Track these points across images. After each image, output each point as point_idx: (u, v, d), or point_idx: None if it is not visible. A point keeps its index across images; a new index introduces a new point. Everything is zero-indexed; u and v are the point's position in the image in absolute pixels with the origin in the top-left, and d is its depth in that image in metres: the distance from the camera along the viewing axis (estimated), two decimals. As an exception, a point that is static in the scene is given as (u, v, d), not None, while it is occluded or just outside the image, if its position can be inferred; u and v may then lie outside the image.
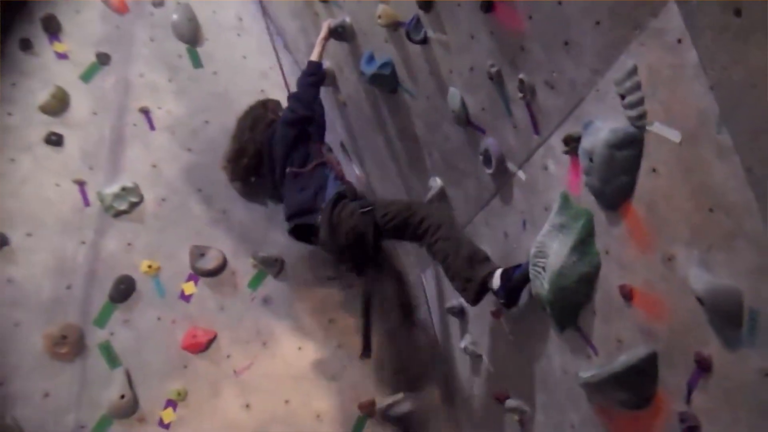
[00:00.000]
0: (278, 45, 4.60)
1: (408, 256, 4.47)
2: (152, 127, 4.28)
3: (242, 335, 4.00)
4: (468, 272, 2.84)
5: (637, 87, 1.84)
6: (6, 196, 3.89)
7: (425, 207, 3.29)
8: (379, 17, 3.08)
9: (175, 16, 4.43)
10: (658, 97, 1.77)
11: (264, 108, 3.90)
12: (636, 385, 2.05)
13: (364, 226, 3.22)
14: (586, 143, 2.06)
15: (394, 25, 3.08)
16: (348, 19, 3.58)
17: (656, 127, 1.80)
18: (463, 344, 3.56)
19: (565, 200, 2.30)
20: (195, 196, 4.20)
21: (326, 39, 3.64)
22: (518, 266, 2.63)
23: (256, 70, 4.56)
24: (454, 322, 3.79)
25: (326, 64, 3.84)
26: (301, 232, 3.52)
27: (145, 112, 4.27)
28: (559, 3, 2.03)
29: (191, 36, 4.47)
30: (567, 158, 2.28)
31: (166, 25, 4.43)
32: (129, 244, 4.01)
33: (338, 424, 3.96)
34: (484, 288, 2.78)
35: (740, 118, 1.45)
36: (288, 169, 3.54)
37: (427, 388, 3.38)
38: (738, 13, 1.33)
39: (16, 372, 3.66)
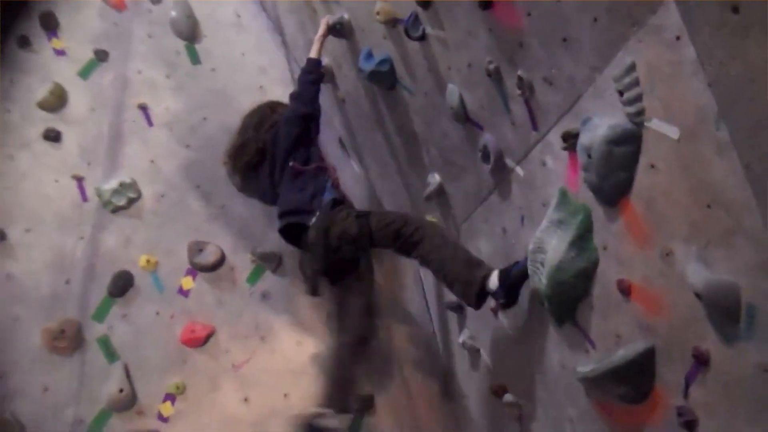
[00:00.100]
0: (277, 41, 4.60)
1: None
2: (150, 124, 4.28)
3: (241, 330, 4.01)
4: (466, 276, 2.85)
5: (636, 83, 1.85)
6: (4, 192, 3.91)
7: (419, 219, 3.32)
8: (378, 14, 3.09)
9: (173, 13, 4.43)
10: (657, 94, 1.78)
11: (271, 109, 3.84)
12: (634, 379, 2.07)
13: (358, 230, 3.20)
14: (584, 139, 2.07)
15: (392, 22, 3.08)
16: (346, 16, 3.58)
17: (654, 124, 1.81)
18: (461, 339, 3.57)
19: (564, 196, 2.31)
20: (193, 192, 4.21)
21: (324, 36, 3.63)
22: (516, 263, 2.64)
23: (254, 67, 4.56)
24: (452, 317, 3.81)
25: (325, 60, 3.84)
26: (292, 231, 3.50)
27: (143, 108, 4.27)
28: (558, 0, 2.04)
29: (189, 33, 4.47)
30: (565, 154, 2.29)
31: (165, 22, 4.43)
32: (127, 240, 4.03)
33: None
34: (484, 290, 2.79)
35: (738, 114, 1.46)
36: (291, 164, 3.51)
37: (349, 413, 3.38)
38: (736, 9, 1.34)
39: (15, 367, 3.67)
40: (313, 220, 3.33)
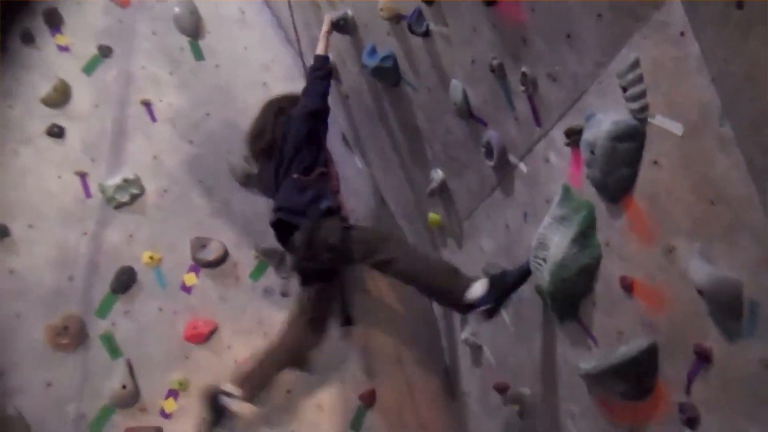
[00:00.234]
0: (280, 37, 4.60)
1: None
2: (154, 119, 4.29)
3: (244, 326, 4.02)
4: (448, 286, 2.91)
5: (640, 79, 1.85)
6: (8, 188, 3.91)
7: (400, 239, 3.42)
8: (381, 10, 3.08)
9: (177, 9, 4.44)
10: (661, 90, 1.78)
11: (292, 102, 3.79)
12: (636, 376, 2.07)
13: (339, 241, 3.23)
14: (587, 136, 2.07)
15: (396, 18, 3.08)
16: (350, 12, 3.58)
17: (658, 120, 1.80)
18: (463, 336, 3.58)
19: (567, 192, 2.31)
20: (196, 188, 4.21)
21: (329, 32, 3.63)
22: (504, 272, 2.71)
23: (258, 63, 4.56)
24: (454, 314, 3.81)
25: (330, 57, 3.83)
26: (282, 228, 3.51)
27: (146, 104, 4.28)
28: (562, -4, 2.04)
29: (193, 29, 4.48)
30: (568, 151, 2.29)
31: (168, 18, 4.44)
32: (130, 236, 4.03)
33: (339, 414, 3.98)
34: (467, 299, 2.83)
35: (741, 110, 1.46)
36: (295, 176, 3.50)
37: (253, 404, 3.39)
38: (740, 5, 1.34)
39: (18, 363, 3.68)
40: (305, 223, 3.34)
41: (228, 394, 3.29)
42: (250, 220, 4.18)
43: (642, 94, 1.85)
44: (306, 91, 3.64)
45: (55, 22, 4.20)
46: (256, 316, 4.04)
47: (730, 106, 1.50)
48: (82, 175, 4.05)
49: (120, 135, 4.20)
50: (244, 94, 4.34)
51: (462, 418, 3.95)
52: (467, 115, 2.89)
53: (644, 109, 1.85)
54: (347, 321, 3.56)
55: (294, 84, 4.14)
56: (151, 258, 3.99)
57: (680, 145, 1.73)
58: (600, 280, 2.23)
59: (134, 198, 4.09)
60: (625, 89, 1.89)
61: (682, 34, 1.63)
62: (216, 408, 3.30)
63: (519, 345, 2.99)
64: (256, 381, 3.42)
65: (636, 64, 1.85)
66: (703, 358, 1.77)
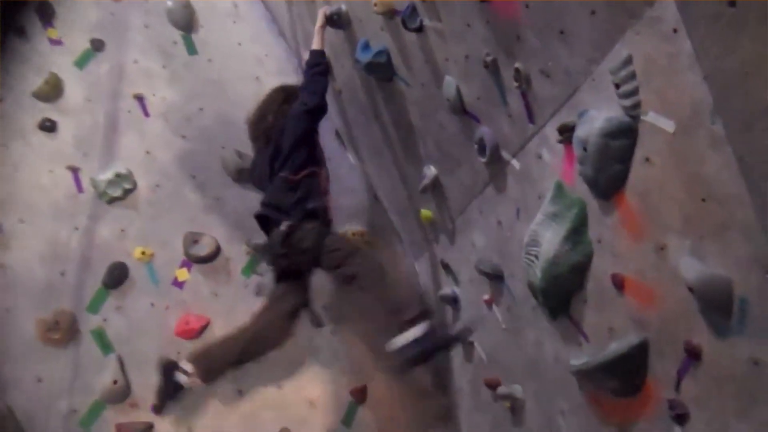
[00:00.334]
0: (273, 32, 4.59)
1: (400, 243, 4.49)
2: (146, 114, 4.27)
3: (236, 322, 3.96)
4: (389, 321, 3.08)
5: (632, 76, 1.85)
6: (-1, 182, 3.89)
7: (369, 256, 3.37)
8: (375, 5, 3.07)
9: (170, 3, 4.41)
10: (653, 87, 1.78)
11: (296, 94, 3.79)
12: (626, 373, 2.07)
13: (311, 245, 3.32)
14: (580, 132, 2.07)
15: (389, 13, 3.07)
16: (344, 7, 3.57)
17: (651, 117, 1.80)
18: (455, 332, 3.57)
19: (559, 189, 2.31)
20: (189, 183, 4.20)
21: (323, 27, 3.62)
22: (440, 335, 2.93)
23: (251, 58, 4.55)
24: (447, 310, 3.81)
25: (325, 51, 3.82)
26: (265, 223, 3.52)
27: (139, 98, 4.26)
28: (555, -8, 2.03)
29: (186, 23, 4.46)
30: (561, 147, 2.29)
31: (161, 12, 4.42)
32: (122, 231, 4.02)
33: (330, 410, 3.98)
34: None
35: (733, 108, 1.46)
36: (282, 174, 3.51)
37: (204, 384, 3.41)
38: (732, 3, 1.34)
39: (8, 357, 3.67)
40: (286, 223, 3.37)
41: (182, 370, 3.30)
42: (243, 215, 4.16)
43: (635, 91, 1.85)
44: (305, 87, 3.61)
45: (47, 15, 4.17)
46: (248, 312, 3.99)
47: (721, 104, 1.50)
48: (74, 170, 4.03)
49: (112, 129, 4.18)
50: (237, 89, 4.33)
51: (453, 413, 3.95)
52: (460, 111, 2.89)
53: (637, 106, 1.85)
54: (317, 323, 3.55)
55: (287, 78, 4.13)
56: (143, 253, 3.98)
57: (672, 142, 1.73)
58: (591, 277, 2.23)
59: (126, 193, 4.07)
60: (617, 86, 1.89)
61: (675, 30, 1.63)
62: (169, 380, 3.31)
63: (510, 341, 3.00)
64: (211, 363, 3.40)
65: (629, 61, 1.85)
66: (693, 355, 1.78)
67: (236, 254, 4.11)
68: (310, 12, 3.93)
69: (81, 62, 4.21)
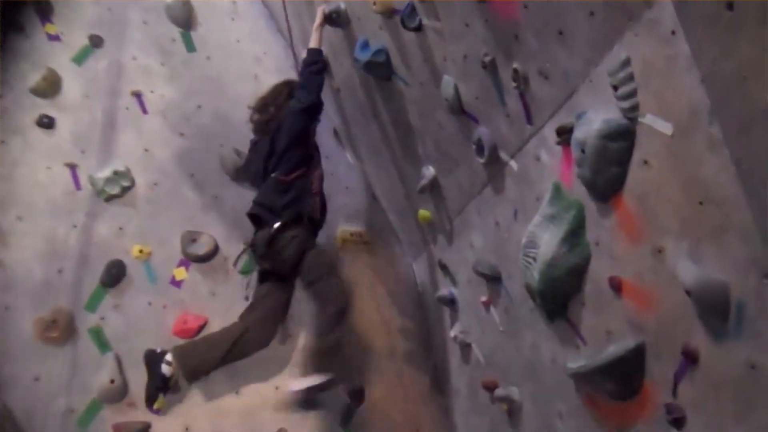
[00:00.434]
0: (272, 29, 4.57)
1: (398, 243, 4.48)
2: (145, 111, 4.25)
3: (233, 321, 3.98)
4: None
5: (630, 78, 1.84)
6: (-4, 179, 3.87)
7: (343, 285, 3.43)
8: (374, 4, 3.07)
9: (168, 0, 4.40)
10: (651, 89, 1.77)
11: None
12: (624, 376, 2.06)
13: (292, 255, 3.38)
14: (578, 134, 2.06)
15: (389, 12, 3.06)
16: (343, 5, 3.56)
17: (648, 119, 1.80)
18: (453, 333, 3.57)
19: (557, 191, 2.30)
20: (187, 181, 4.18)
21: (322, 25, 3.61)
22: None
23: (249, 55, 4.54)
24: (445, 311, 3.80)
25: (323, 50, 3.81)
26: (257, 221, 3.54)
27: (137, 95, 4.24)
28: (554, -8, 2.02)
29: (185, 20, 4.44)
30: (559, 149, 2.28)
31: (160, 9, 4.40)
32: (120, 229, 3.99)
33: (328, 411, 3.96)
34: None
35: (730, 111, 1.45)
36: (273, 175, 3.52)
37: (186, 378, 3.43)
38: (730, 6, 1.33)
39: (5, 356, 3.64)
40: (275, 225, 3.40)
41: (166, 362, 3.35)
42: (241, 214, 4.12)
43: (632, 93, 1.84)
44: (301, 85, 3.61)
45: (45, 10, 4.15)
46: (246, 311, 4.01)
47: (719, 107, 1.49)
48: (72, 167, 4.00)
49: (110, 126, 4.16)
50: (236, 86, 4.31)
51: (451, 415, 3.95)
52: (459, 111, 2.88)
53: (635, 108, 1.84)
54: (281, 338, 3.56)
55: (285, 76, 4.11)
56: (141, 251, 3.96)
57: (670, 144, 1.72)
58: (589, 280, 2.23)
59: (124, 190, 4.04)
60: (616, 88, 1.89)
61: (673, 32, 1.62)
62: (155, 372, 3.37)
63: (508, 343, 2.99)
64: (196, 363, 3.42)
65: (627, 63, 1.84)
66: (690, 358, 1.77)
67: (234, 253, 4.06)
68: (309, 10, 3.91)
69: (79, 58, 4.18)
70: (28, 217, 3.86)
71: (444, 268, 3.69)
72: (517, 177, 2.66)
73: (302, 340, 3.90)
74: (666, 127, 1.73)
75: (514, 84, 2.40)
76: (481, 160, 2.80)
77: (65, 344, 3.74)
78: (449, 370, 3.89)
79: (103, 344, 3.80)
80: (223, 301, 4.00)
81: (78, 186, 3.99)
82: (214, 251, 4.06)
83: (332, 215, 4.29)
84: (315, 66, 3.60)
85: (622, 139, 1.90)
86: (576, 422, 2.48)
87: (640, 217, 1.91)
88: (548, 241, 2.28)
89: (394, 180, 4.03)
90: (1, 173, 3.88)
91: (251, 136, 3.86)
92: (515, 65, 2.36)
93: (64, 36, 4.18)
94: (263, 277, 3.59)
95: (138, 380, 3.71)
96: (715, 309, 1.64)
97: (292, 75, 4.20)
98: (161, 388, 3.37)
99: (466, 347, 3.52)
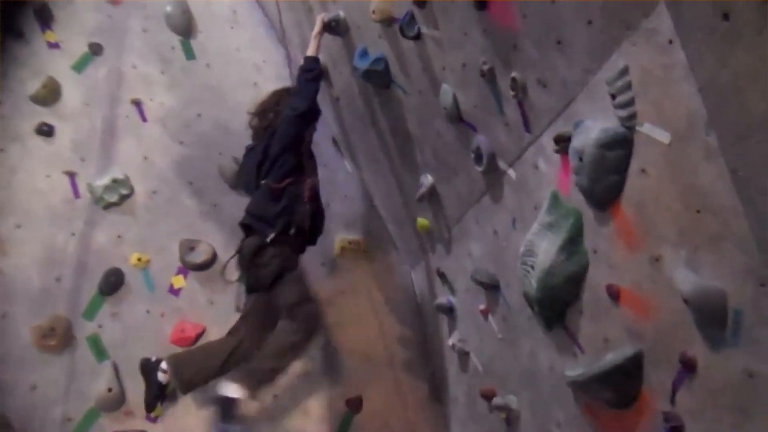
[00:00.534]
0: (271, 38, 4.59)
1: (397, 252, 4.48)
2: (144, 119, 4.26)
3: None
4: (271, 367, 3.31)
5: (628, 87, 1.84)
6: (-4, 187, 3.87)
7: (313, 318, 3.42)
8: (373, 12, 3.08)
9: (168, 8, 4.42)
10: (649, 98, 1.78)
11: None
12: (621, 384, 2.06)
13: (269, 274, 3.38)
14: (576, 143, 2.06)
15: (388, 21, 3.07)
16: (342, 14, 3.57)
17: (646, 128, 1.80)
18: (451, 341, 3.57)
19: (555, 199, 2.30)
20: (186, 190, 4.18)
21: (321, 33, 3.62)
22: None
23: (249, 63, 4.55)
24: (443, 320, 3.80)
25: (320, 58, 3.82)
26: (249, 230, 3.54)
27: (137, 103, 4.26)
28: (553, 2, 2.03)
29: (185, 28, 4.46)
30: (557, 157, 2.29)
31: (160, 17, 4.42)
32: (119, 237, 4.00)
33: (325, 419, 3.96)
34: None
35: (726, 120, 1.46)
36: (265, 182, 3.53)
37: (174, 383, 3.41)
38: (726, 16, 1.34)
39: (3, 363, 3.64)
40: (270, 235, 3.41)
41: (162, 370, 3.34)
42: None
43: (630, 102, 1.84)
44: (295, 92, 3.63)
45: (45, 18, 4.16)
46: (244, 319, 4.00)
47: (715, 116, 1.50)
48: (71, 175, 4.01)
49: (110, 134, 4.17)
50: (235, 94, 4.33)
51: (448, 423, 3.94)
52: (457, 119, 2.88)
53: (632, 116, 1.85)
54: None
55: (285, 84, 4.12)
56: (140, 260, 3.96)
57: (667, 153, 1.73)
58: (587, 288, 2.23)
59: (123, 198, 4.05)
60: (614, 96, 1.89)
61: (670, 42, 1.63)
62: (152, 380, 3.36)
63: (506, 352, 2.98)
64: (191, 369, 3.40)
65: (625, 72, 1.84)
66: (688, 367, 1.77)
67: (233, 262, 4.08)
68: (308, 18, 3.93)
69: (79, 66, 4.20)
70: (27, 224, 3.86)
71: (442, 276, 3.69)
72: (516, 185, 2.67)
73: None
74: (664, 136, 1.73)
75: (512, 93, 2.41)
76: (480, 169, 2.81)
77: (63, 352, 3.74)
78: (447, 379, 3.88)
79: (100, 352, 3.79)
80: (221, 310, 4.00)
81: (77, 194, 4.00)
82: (213, 259, 4.07)
83: (331, 223, 4.29)
84: (310, 73, 3.61)
85: (620, 148, 1.91)
86: (574, 431, 2.47)
87: (637, 226, 1.91)
88: (546, 249, 2.28)
89: (393, 188, 4.04)
90: (0, 180, 3.88)
91: (250, 142, 3.86)
92: (514, 74, 2.37)
93: (64, 43, 4.19)
94: (248, 288, 3.57)
95: (135, 389, 3.70)
96: (713, 317, 1.64)
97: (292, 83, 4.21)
98: (159, 396, 3.36)
99: (464, 355, 3.51)
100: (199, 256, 4.02)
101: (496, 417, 3.10)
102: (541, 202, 2.40)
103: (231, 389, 3.22)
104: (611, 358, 2.07)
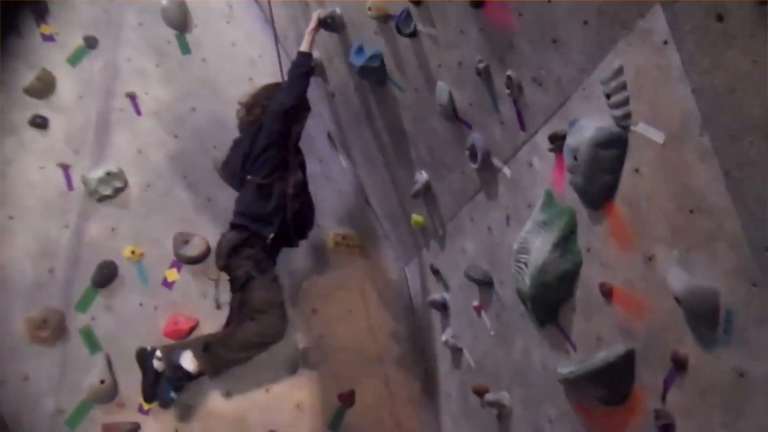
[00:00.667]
0: (267, 33, 4.58)
1: (391, 247, 4.49)
2: (139, 113, 4.25)
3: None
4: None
5: (623, 87, 1.85)
6: (-11, 178, 3.86)
7: (278, 323, 3.47)
8: (369, 9, 3.08)
9: (164, 2, 4.40)
10: (644, 98, 1.79)
11: None
12: (613, 382, 2.08)
13: (241, 275, 3.44)
14: (571, 141, 2.07)
15: (384, 18, 3.08)
16: (338, 10, 3.57)
17: (641, 128, 1.81)
18: (444, 338, 3.58)
19: (549, 197, 2.32)
20: (180, 183, 4.18)
21: (316, 29, 3.61)
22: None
23: (244, 58, 4.55)
24: (436, 316, 3.81)
25: (315, 54, 3.82)
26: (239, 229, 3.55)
27: (131, 97, 4.24)
28: (549, 1, 2.04)
29: (180, 22, 4.45)
30: (552, 156, 2.30)
31: (155, 11, 4.40)
32: (112, 229, 3.99)
33: (318, 413, 3.97)
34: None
35: (720, 121, 1.47)
36: (250, 177, 3.54)
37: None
38: (720, 18, 1.34)
39: (-5, 355, 3.64)
40: (270, 234, 3.46)
41: (158, 358, 3.43)
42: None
43: (625, 102, 1.85)
44: (284, 87, 3.62)
45: (40, 10, 4.14)
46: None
47: (709, 117, 1.51)
48: (65, 167, 4.00)
49: (104, 127, 4.16)
50: (230, 89, 4.32)
51: (441, 419, 3.96)
52: (452, 117, 2.89)
53: (627, 116, 1.86)
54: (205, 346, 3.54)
55: (280, 80, 4.12)
56: (133, 252, 3.96)
57: (662, 153, 1.74)
58: (580, 286, 2.24)
59: (117, 191, 4.04)
60: (608, 96, 1.90)
61: (665, 42, 1.64)
62: (148, 369, 3.43)
63: (499, 348, 3.00)
64: (218, 359, 3.47)
65: (620, 71, 1.85)
66: (679, 365, 1.79)
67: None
68: (304, 14, 3.92)
69: (74, 59, 4.18)
70: (20, 216, 3.85)
71: (436, 272, 3.70)
72: (510, 183, 2.68)
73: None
74: (658, 136, 1.74)
75: (507, 91, 2.42)
76: (474, 166, 2.82)
77: (55, 344, 3.74)
78: (440, 375, 3.90)
79: (93, 344, 3.80)
80: (214, 303, 3.99)
81: (71, 186, 3.99)
82: (206, 253, 4.06)
83: (325, 218, 4.31)
84: (301, 69, 3.60)
85: (614, 147, 1.92)
86: (565, 427, 2.49)
87: (631, 225, 1.92)
88: (540, 247, 2.29)
89: (388, 184, 4.04)
90: (-7, 172, 3.87)
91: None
92: (509, 72, 2.38)
93: (59, 36, 4.17)
94: (231, 284, 3.59)
95: (128, 381, 3.72)
96: (705, 316, 1.65)
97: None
98: (155, 385, 3.43)
99: (457, 352, 3.53)
100: (193, 249, 4.02)
101: (489, 413, 3.11)
102: (536, 200, 2.41)
103: (188, 361, 3.36)
104: (603, 355, 2.08)
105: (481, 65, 2.52)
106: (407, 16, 2.88)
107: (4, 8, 3.94)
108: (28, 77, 4.01)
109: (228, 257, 3.46)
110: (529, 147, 2.47)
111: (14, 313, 3.71)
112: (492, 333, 3.05)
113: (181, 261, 4.01)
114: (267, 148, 3.52)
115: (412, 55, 3.01)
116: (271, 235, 3.45)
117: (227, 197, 4.14)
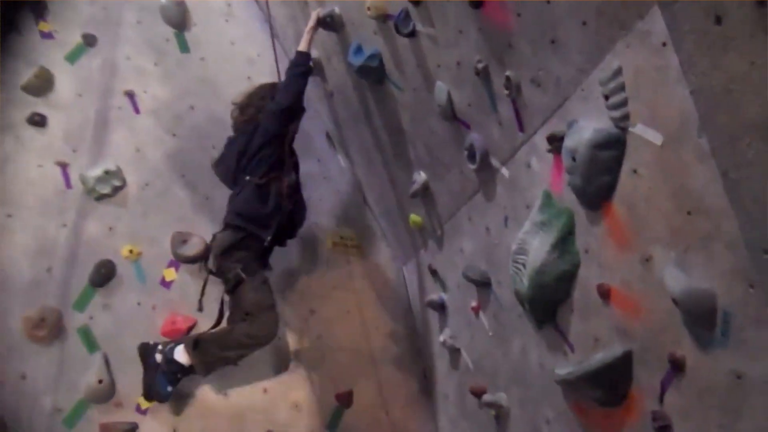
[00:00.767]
0: (266, 32, 4.57)
1: (389, 247, 4.48)
2: (137, 111, 4.24)
3: (223, 323, 3.97)
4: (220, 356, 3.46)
5: (622, 88, 1.85)
6: (-13, 176, 3.85)
7: (269, 326, 3.48)
8: (369, 9, 3.08)
9: (163, 0, 4.40)
10: (642, 99, 1.79)
11: None
12: (611, 383, 2.08)
13: (231, 278, 3.46)
14: (569, 142, 2.07)
15: (383, 17, 3.08)
16: (337, 9, 3.57)
17: (639, 129, 1.81)
18: (442, 338, 3.58)
19: (547, 198, 2.31)
20: (178, 182, 4.17)
21: (315, 29, 3.61)
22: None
23: (243, 57, 4.54)
24: (434, 316, 3.81)
25: (314, 53, 3.82)
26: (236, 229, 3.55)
27: (130, 95, 4.23)
28: (548, 2, 2.04)
29: (179, 20, 4.44)
30: (550, 156, 2.30)
31: (154, 9, 4.40)
32: (111, 228, 3.98)
33: (315, 413, 3.96)
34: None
35: (717, 123, 1.47)
36: (248, 178, 3.54)
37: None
38: (718, 20, 1.34)
39: (-8, 354, 3.63)
40: (268, 237, 3.48)
41: (159, 351, 3.48)
42: (232, 216, 4.14)
43: (624, 103, 1.85)
44: (282, 87, 3.62)
45: (39, 8, 4.14)
46: (235, 313, 4.00)
47: (707, 119, 1.51)
48: (63, 166, 3.99)
49: (102, 125, 4.15)
50: (229, 88, 4.30)
51: (438, 419, 3.95)
52: (451, 117, 2.89)
53: (625, 117, 1.86)
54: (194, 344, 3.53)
55: (279, 79, 4.11)
56: (131, 251, 3.95)
57: (660, 154, 1.74)
58: (578, 287, 2.24)
59: (115, 190, 4.03)
60: (607, 97, 1.90)
61: (664, 44, 1.64)
62: (150, 363, 3.48)
63: (496, 349, 3.00)
64: (210, 356, 3.48)
65: (618, 72, 1.85)
66: (677, 366, 1.79)
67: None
68: (303, 13, 3.92)
69: (72, 57, 4.17)
70: (18, 214, 3.84)
71: (434, 273, 3.70)
72: (508, 184, 2.68)
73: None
74: (656, 137, 1.74)
75: (506, 91, 2.42)
76: (473, 167, 2.82)
77: (53, 343, 3.72)
78: (438, 375, 3.90)
79: (91, 344, 3.78)
80: (213, 303, 3.98)
81: (69, 185, 3.98)
82: (204, 253, 4.03)
83: (323, 218, 4.31)
84: (298, 68, 3.60)
85: (612, 148, 1.92)
86: (563, 428, 2.49)
87: (629, 226, 1.92)
88: (538, 247, 2.29)
89: (386, 184, 4.04)
90: (-9, 170, 3.86)
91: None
92: (508, 73, 2.38)
93: (58, 34, 4.16)
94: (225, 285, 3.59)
95: (126, 380, 3.71)
96: (702, 318, 1.65)
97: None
98: (154, 376, 3.46)
99: (454, 352, 3.52)
100: (191, 248, 4.01)
101: (486, 414, 3.11)
102: (534, 201, 2.41)
103: (180, 354, 3.39)
104: (601, 357, 2.09)
105: (479, 65, 2.52)
106: (406, 15, 2.87)
107: (4, 5, 3.93)
108: (26, 75, 4.00)
109: (220, 258, 3.47)
110: (528, 147, 2.47)
111: (12, 311, 3.69)
112: (490, 333, 3.05)
113: (179, 260, 4.00)
114: (263, 147, 3.52)
115: (411, 54, 3.01)
116: (269, 238, 3.45)
117: (225, 196, 4.12)
